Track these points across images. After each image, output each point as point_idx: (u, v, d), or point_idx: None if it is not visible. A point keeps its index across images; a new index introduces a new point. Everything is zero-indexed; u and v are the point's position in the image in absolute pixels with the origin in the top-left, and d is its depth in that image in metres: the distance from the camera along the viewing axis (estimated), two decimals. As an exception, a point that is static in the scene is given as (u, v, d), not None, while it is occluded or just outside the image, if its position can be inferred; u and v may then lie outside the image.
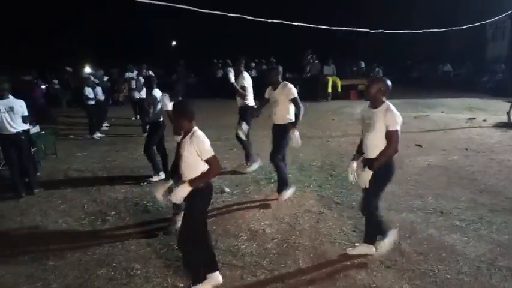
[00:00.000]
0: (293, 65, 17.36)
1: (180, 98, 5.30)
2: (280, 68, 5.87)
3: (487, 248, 4.19)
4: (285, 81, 5.53)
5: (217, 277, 3.61)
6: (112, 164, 7.78)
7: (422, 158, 7.42)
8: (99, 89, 11.01)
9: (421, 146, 8.31)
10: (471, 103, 13.79)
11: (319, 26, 8.93)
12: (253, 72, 17.76)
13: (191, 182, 3.26)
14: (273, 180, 6.37)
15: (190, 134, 3.33)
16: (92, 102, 10.56)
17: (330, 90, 15.74)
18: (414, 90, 17.54)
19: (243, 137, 6.77)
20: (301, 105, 5.40)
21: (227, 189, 6.05)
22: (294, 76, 16.44)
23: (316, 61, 16.68)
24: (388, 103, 3.76)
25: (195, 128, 3.37)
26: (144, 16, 23.42)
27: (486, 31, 19.04)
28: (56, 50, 21.72)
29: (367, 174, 3.74)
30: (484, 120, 10.67)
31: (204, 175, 3.30)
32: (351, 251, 4.12)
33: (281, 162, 5.54)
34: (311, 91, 15.65)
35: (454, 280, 3.67)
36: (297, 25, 8.73)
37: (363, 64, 17.61)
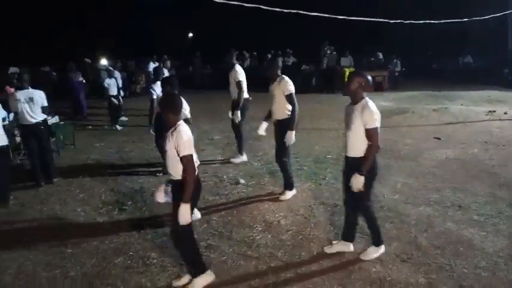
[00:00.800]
0: (310, 57, 17.20)
1: (176, 92, 5.04)
2: (280, 61, 5.67)
3: (505, 243, 4.12)
4: (283, 75, 5.23)
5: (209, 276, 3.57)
6: (129, 155, 7.87)
7: (441, 151, 7.31)
8: (119, 81, 11.04)
9: (439, 138, 8.18)
10: (491, 95, 13.49)
11: (336, 16, 8.81)
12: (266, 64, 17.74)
13: (184, 199, 3.16)
14: (288, 172, 6.36)
15: (173, 128, 3.26)
16: (114, 93, 10.61)
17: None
18: (434, 82, 17.28)
19: (236, 121, 6.78)
20: (296, 103, 5.10)
21: (242, 181, 6.07)
22: (311, 68, 16.31)
23: (334, 53, 16.50)
24: (367, 99, 3.61)
25: (180, 122, 3.30)
26: (161, 7, 23.52)
27: (509, 22, 18.55)
28: (75, 41, 21.91)
29: (359, 179, 3.58)
30: (505, 113, 10.43)
31: (185, 185, 3.17)
32: (329, 249, 4.01)
33: (285, 162, 5.32)
34: (328, 83, 15.52)
35: (471, 275, 3.62)
36: (315, 15, 8.60)
37: (381, 55, 17.36)
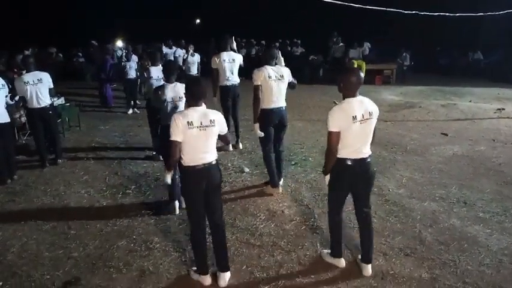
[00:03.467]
0: (318, 47, 17.02)
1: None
2: (275, 51, 5.26)
3: (510, 240, 4.09)
4: (259, 67, 4.88)
5: (204, 279, 3.44)
6: (134, 139, 7.86)
7: (448, 147, 7.24)
8: (133, 64, 10.89)
9: (446, 134, 8.11)
10: (501, 93, 13.33)
11: (350, 4, 8.67)
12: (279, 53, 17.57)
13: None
14: (293, 162, 6.34)
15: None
16: (133, 76, 10.51)
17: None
18: (443, 78, 17.12)
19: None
20: (255, 97, 4.81)
21: (247, 169, 6.05)
22: (319, 59, 16.16)
23: (341, 44, 16.32)
24: (348, 100, 3.24)
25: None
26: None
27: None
28: (87, 22, 21.82)
29: (325, 178, 3.48)
30: (514, 111, 10.32)
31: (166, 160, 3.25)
32: (324, 257, 3.77)
33: (268, 154, 5.10)
34: (335, 74, 15.38)
35: (475, 271, 3.60)
36: (328, 2, 8.46)
37: (367, 49, 16.82)
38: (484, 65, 18.28)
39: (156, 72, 6.37)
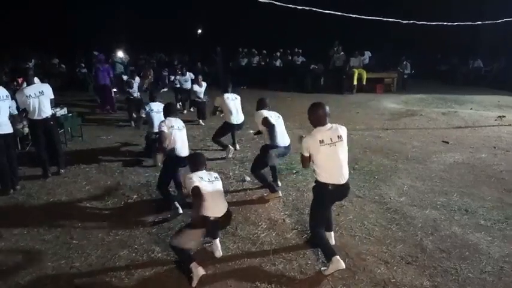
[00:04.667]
0: (319, 56, 17.09)
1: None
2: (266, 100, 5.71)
3: (511, 248, 4.10)
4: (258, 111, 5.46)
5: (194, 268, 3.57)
6: (136, 149, 7.89)
7: (449, 155, 7.25)
8: (135, 86, 11.02)
9: (448, 142, 8.12)
10: (501, 100, 13.36)
11: (349, 15, 8.74)
12: (278, 63, 17.66)
13: None
14: (294, 171, 6.35)
15: None
16: (135, 95, 10.69)
17: (355, 82, 15.49)
18: (443, 86, 17.18)
19: None
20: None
21: (248, 178, 6.06)
22: (320, 68, 16.23)
23: (342, 53, 16.41)
24: (316, 130, 3.64)
25: None
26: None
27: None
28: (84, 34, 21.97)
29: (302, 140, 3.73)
30: (515, 119, 10.34)
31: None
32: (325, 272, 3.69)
33: (259, 174, 5.46)
34: (336, 83, 15.44)
35: (477, 279, 3.60)
36: (329, 13, 8.52)
37: (367, 58, 16.92)
38: (485, 72, 18.33)
39: (157, 105, 7.22)
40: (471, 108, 11.98)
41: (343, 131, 3.66)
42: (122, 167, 6.75)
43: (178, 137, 4.97)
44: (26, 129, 7.28)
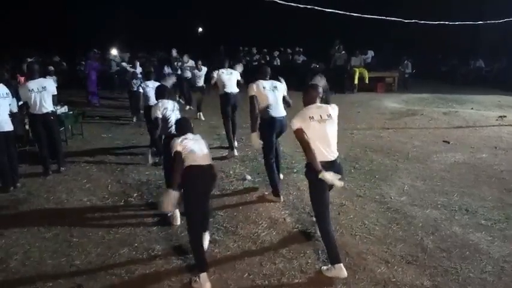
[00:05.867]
0: (320, 55, 17.07)
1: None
2: (267, 68, 5.60)
3: (512, 248, 4.09)
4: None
5: (203, 281, 3.48)
6: (136, 147, 7.88)
7: (449, 155, 7.25)
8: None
9: (448, 142, 8.11)
10: (502, 100, 13.34)
11: (351, 14, 8.72)
12: (277, 61, 17.62)
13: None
14: (295, 170, 6.35)
15: None
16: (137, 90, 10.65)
17: (356, 82, 15.47)
18: (444, 85, 17.14)
19: None
20: (253, 105, 5.19)
21: (249, 177, 6.06)
22: (321, 67, 16.21)
23: (343, 52, 16.39)
24: (304, 109, 3.75)
25: None
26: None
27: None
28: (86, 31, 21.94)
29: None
30: (516, 119, 10.32)
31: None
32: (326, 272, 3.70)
33: (269, 164, 5.27)
34: (337, 82, 15.42)
35: (477, 279, 3.59)
36: (330, 12, 8.50)
37: (370, 57, 16.95)
38: (486, 72, 18.31)
39: (152, 83, 7.51)
40: (472, 108, 11.96)
41: (333, 110, 3.74)
42: (122, 165, 6.75)
43: (173, 119, 4.99)
44: (27, 127, 7.27)
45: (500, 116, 10.57)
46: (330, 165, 3.60)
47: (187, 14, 25.35)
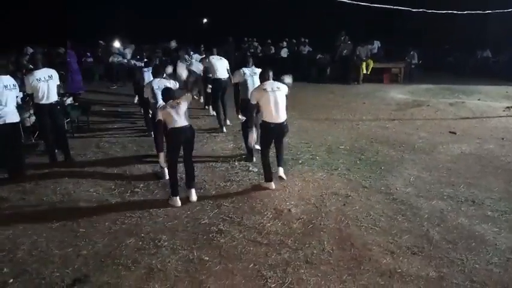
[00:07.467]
0: (325, 46, 16.93)
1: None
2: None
3: (519, 240, 4.08)
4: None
5: (175, 201, 4.88)
6: (142, 139, 7.89)
7: (456, 146, 7.21)
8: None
9: (455, 133, 8.07)
10: (509, 91, 13.20)
11: (358, 3, 8.64)
12: (284, 52, 17.49)
13: None
14: (300, 161, 6.35)
15: None
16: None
17: (364, 72, 15.35)
18: (451, 76, 16.97)
19: None
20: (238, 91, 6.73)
21: (255, 169, 6.06)
22: (326, 57, 16.10)
23: (349, 42, 16.23)
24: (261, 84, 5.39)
25: None
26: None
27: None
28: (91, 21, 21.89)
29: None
30: (523, 110, 10.23)
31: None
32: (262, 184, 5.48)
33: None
34: (343, 73, 15.33)
35: (483, 270, 3.59)
36: (338, 1, 8.43)
37: (376, 47, 16.78)
38: (493, 63, 18.10)
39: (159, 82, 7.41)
40: (479, 99, 11.86)
41: (282, 86, 5.26)
42: (128, 156, 6.77)
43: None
44: (32, 119, 7.27)
45: (508, 107, 10.48)
46: (279, 126, 5.16)
47: (187, 15, 25.17)
